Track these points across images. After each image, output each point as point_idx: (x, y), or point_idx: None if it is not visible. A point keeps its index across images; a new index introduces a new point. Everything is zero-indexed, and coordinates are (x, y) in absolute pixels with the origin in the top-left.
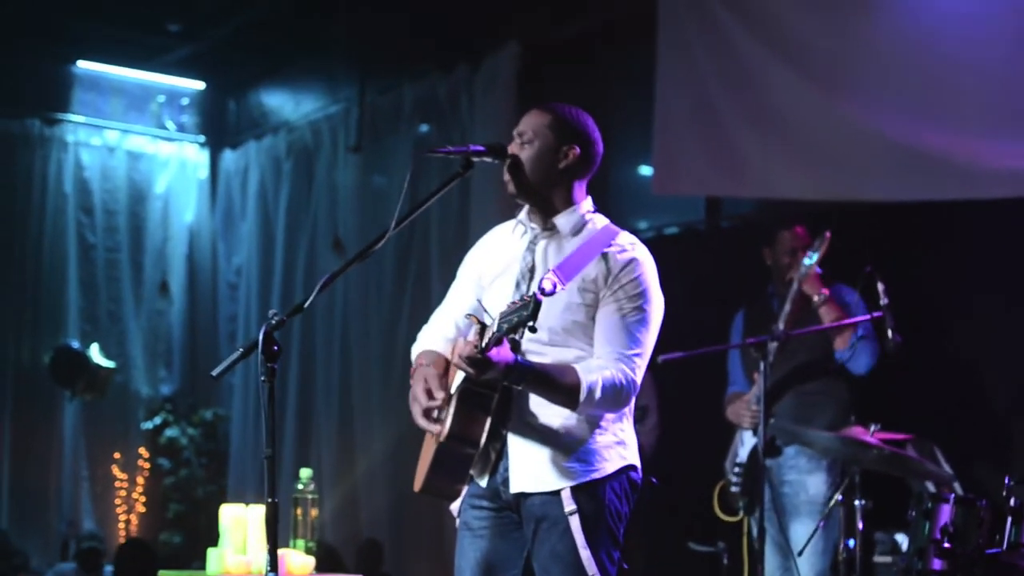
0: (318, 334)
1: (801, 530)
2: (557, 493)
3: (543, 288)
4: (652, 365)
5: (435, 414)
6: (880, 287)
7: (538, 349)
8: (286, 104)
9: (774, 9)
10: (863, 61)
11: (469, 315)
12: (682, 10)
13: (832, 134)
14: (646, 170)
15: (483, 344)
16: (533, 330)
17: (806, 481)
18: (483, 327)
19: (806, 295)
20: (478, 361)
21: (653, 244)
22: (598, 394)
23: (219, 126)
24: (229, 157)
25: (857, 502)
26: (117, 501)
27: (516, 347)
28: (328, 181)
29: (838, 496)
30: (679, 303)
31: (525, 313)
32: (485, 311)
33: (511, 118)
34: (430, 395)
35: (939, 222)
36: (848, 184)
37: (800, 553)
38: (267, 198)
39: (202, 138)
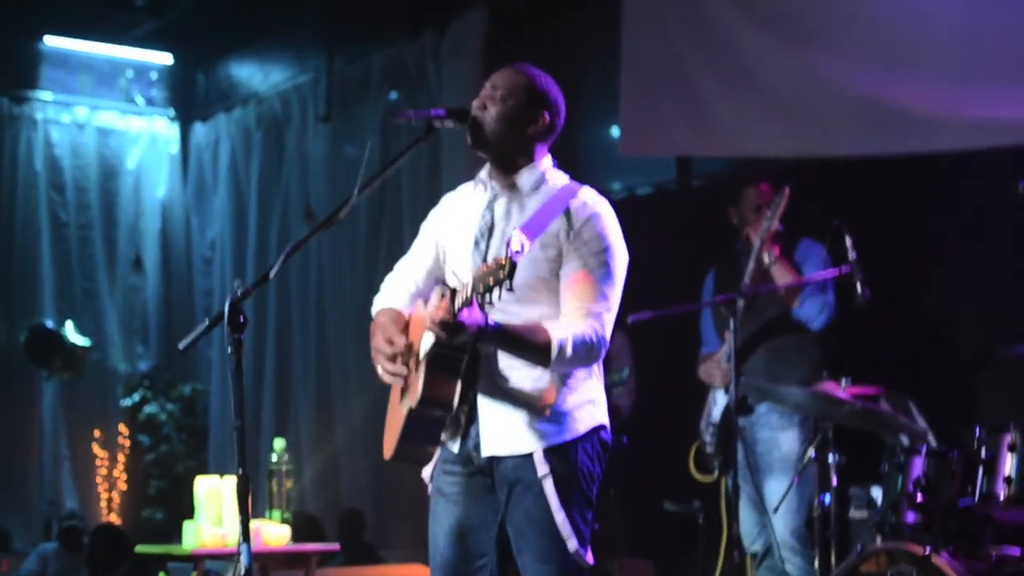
0: (294, 303)
1: (775, 487)
2: (529, 456)
3: (512, 249)
4: (626, 326)
5: (399, 361)
6: (848, 241)
7: (503, 308)
8: (255, 75)
9: None
10: (828, 16)
11: (441, 282)
12: None
13: (800, 90)
14: (616, 132)
15: (454, 309)
16: (511, 290)
17: (778, 438)
18: (453, 292)
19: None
20: (450, 325)
21: (625, 205)
22: (569, 351)
23: (188, 99)
24: (199, 130)
25: (831, 457)
26: (98, 479)
27: (482, 307)
28: (299, 151)
29: (811, 452)
30: (652, 263)
31: (502, 274)
32: (454, 274)
33: (479, 83)
34: (391, 343)
35: (907, 176)
36: (817, 140)
37: (776, 510)
38: (238, 170)
39: (172, 112)
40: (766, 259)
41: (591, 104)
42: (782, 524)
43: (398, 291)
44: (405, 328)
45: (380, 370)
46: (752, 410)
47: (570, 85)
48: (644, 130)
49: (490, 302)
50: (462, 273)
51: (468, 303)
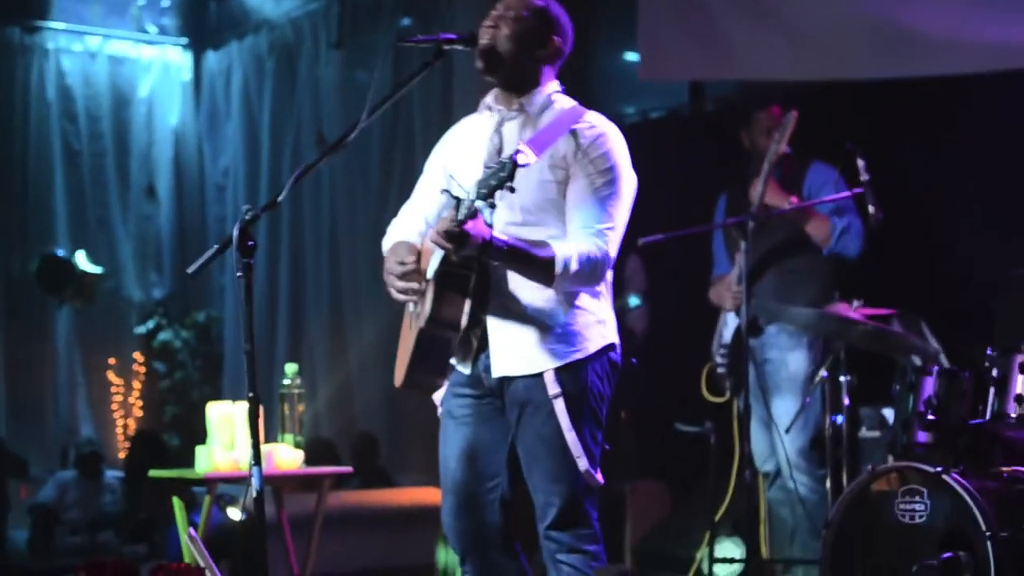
0: (306, 230)
1: (782, 407)
2: (540, 376)
3: (517, 159)
4: (640, 249)
5: (411, 277)
6: (860, 163)
7: (514, 231)
8: (266, 2)
9: None
10: None
11: (444, 190)
12: None
13: (814, 14)
14: (630, 56)
15: (460, 217)
16: (512, 190)
17: (787, 358)
18: (457, 201)
19: (784, 174)
20: (455, 235)
21: (638, 129)
22: (573, 267)
23: (201, 27)
24: (212, 58)
25: (842, 378)
26: (114, 406)
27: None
28: (311, 78)
29: (823, 372)
30: (665, 187)
31: (503, 175)
32: (459, 185)
33: (491, 9)
34: (401, 263)
35: (924, 99)
36: (832, 63)
37: (787, 430)
38: (251, 98)
39: (184, 40)
40: (786, 207)
41: (605, 28)
42: (789, 443)
43: (407, 229)
44: (417, 257)
45: (392, 291)
46: (762, 331)
47: (584, 9)
48: (662, 55)
49: (493, 204)
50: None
51: (473, 214)
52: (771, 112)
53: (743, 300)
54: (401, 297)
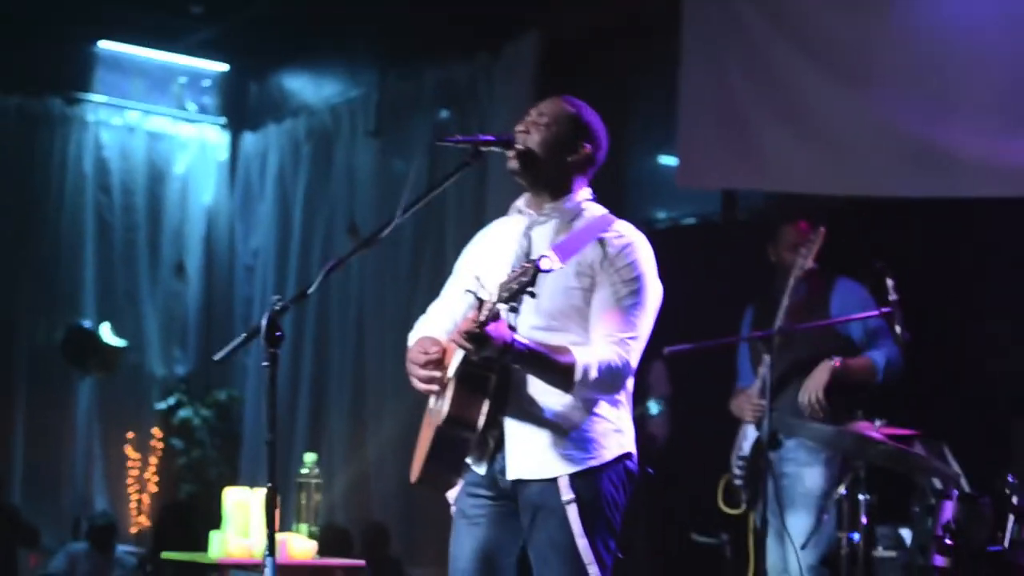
0: (333, 319)
1: (796, 522)
2: (554, 481)
3: (540, 264)
4: (663, 356)
5: (432, 369)
6: (889, 282)
7: (537, 336)
8: (307, 87)
9: (798, 4)
10: (882, 56)
11: (468, 290)
12: (707, 3)
13: (852, 129)
14: (665, 160)
15: (481, 319)
16: (533, 295)
17: (803, 473)
18: (481, 302)
19: (811, 290)
20: (476, 336)
21: (670, 235)
22: (593, 374)
23: (240, 108)
24: (249, 139)
25: (861, 496)
26: (129, 480)
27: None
28: (347, 165)
29: (842, 489)
30: (694, 295)
31: (525, 279)
32: (483, 286)
33: (530, 106)
34: (425, 353)
35: (951, 219)
36: (866, 179)
37: (803, 547)
38: (286, 181)
39: (223, 120)
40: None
41: (641, 133)
42: (803, 560)
43: (434, 326)
44: (442, 354)
45: (414, 380)
46: (781, 445)
47: (620, 114)
48: (700, 163)
49: (515, 308)
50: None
51: (495, 317)
52: (798, 227)
53: (766, 413)
54: (422, 387)
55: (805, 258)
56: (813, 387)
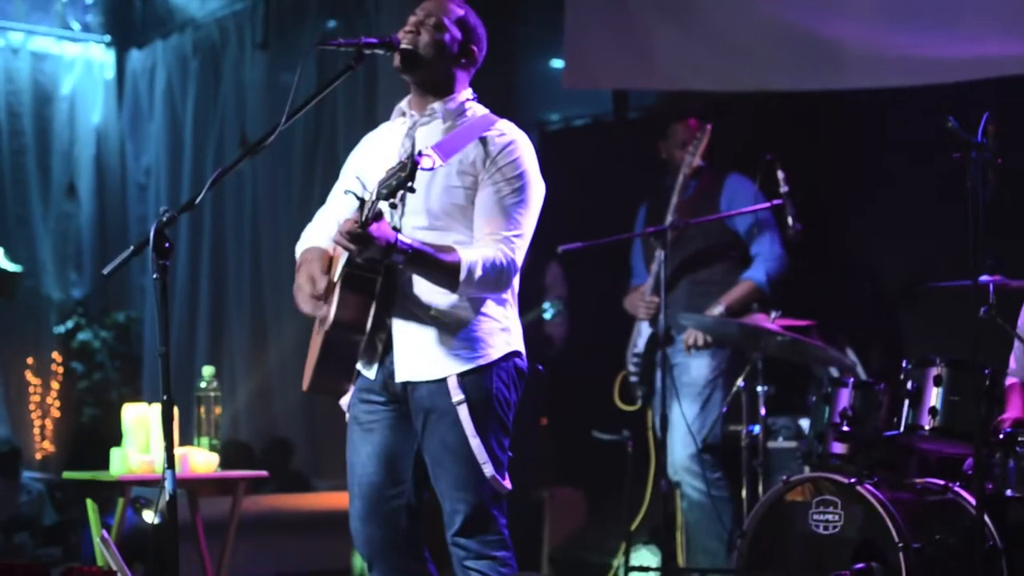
0: (229, 233)
1: (679, 410)
2: (443, 381)
3: (419, 161)
4: (560, 257)
5: (320, 305)
6: (780, 175)
7: (420, 236)
8: (192, 1)
9: None
10: None
11: (347, 191)
12: None
13: (740, 25)
14: (555, 63)
15: (363, 218)
16: (411, 190)
17: (689, 364)
18: (362, 202)
19: (702, 186)
20: (359, 236)
21: (562, 136)
22: (478, 273)
23: (125, 25)
24: (136, 57)
25: (759, 388)
26: (31, 406)
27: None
28: (235, 79)
29: (740, 383)
30: (588, 195)
31: (403, 175)
32: (365, 188)
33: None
34: (313, 283)
35: (839, 112)
36: (754, 74)
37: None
38: (175, 97)
39: (108, 38)
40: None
41: (530, 36)
42: (680, 447)
43: (320, 233)
44: (329, 264)
45: (300, 306)
46: (673, 341)
47: (509, 16)
48: (587, 63)
49: (394, 204)
50: None
51: (377, 217)
52: (687, 124)
53: (661, 309)
54: (309, 312)
55: (693, 155)
56: (694, 336)
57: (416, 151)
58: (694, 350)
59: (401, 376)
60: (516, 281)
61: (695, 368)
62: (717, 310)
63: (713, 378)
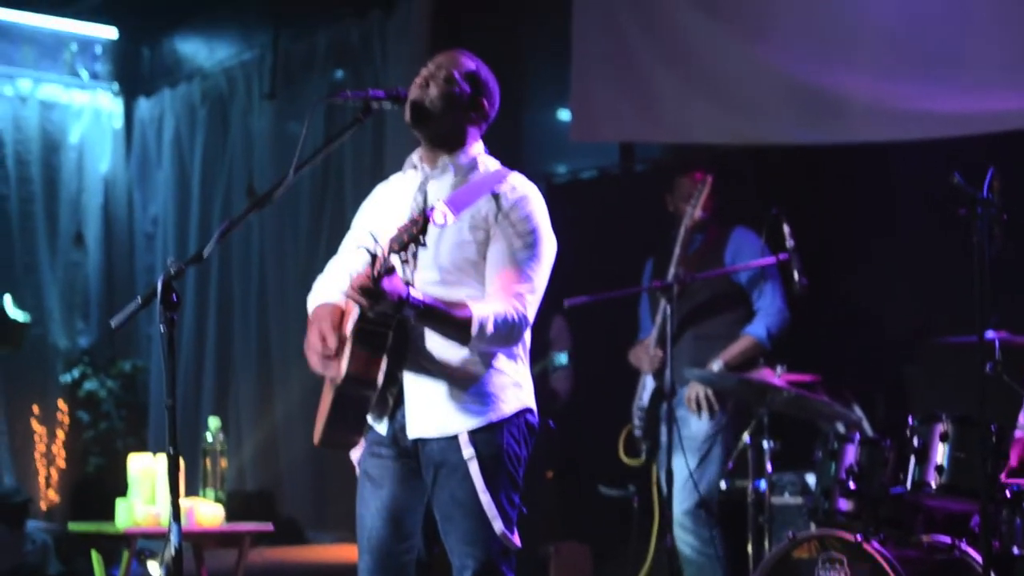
0: (235, 283)
1: (679, 465)
2: (454, 437)
3: (431, 216)
4: (566, 311)
5: (330, 363)
6: (786, 230)
7: (432, 291)
8: (200, 51)
9: None
10: (772, 6)
11: (361, 246)
12: None
13: (745, 78)
14: (562, 115)
15: (375, 273)
16: (423, 245)
17: (689, 418)
18: (374, 256)
19: (707, 240)
20: (370, 291)
21: (569, 188)
22: (490, 328)
23: (133, 74)
24: (144, 105)
25: (765, 443)
26: (36, 455)
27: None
28: (243, 128)
29: (746, 438)
30: (595, 247)
31: (415, 230)
32: (376, 242)
33: (424, 64)
34: (324, 342)
35: (845, 166)
36: (759, 127)
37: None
38: (182, 146)
39: (116, 86)
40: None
41: (537, 88)
42: (677, 502)
43: (332, 287)
44: (341, 320)
45: (311, 363)
46: (676, 394)
47: (516, 69)
48: (594, 116)
49: (405, 260)
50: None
51: (389, 271)
52: (693, 177)
53: (666, 362)
54: (319, 370)
55: (694, 207)
56: (696, 392)
57: (428, 206)
58: (695, 405)
59: (413, 433)
60: (528, 336)
61: (695, 423)
62: (716, 365)
63: (713, 433)
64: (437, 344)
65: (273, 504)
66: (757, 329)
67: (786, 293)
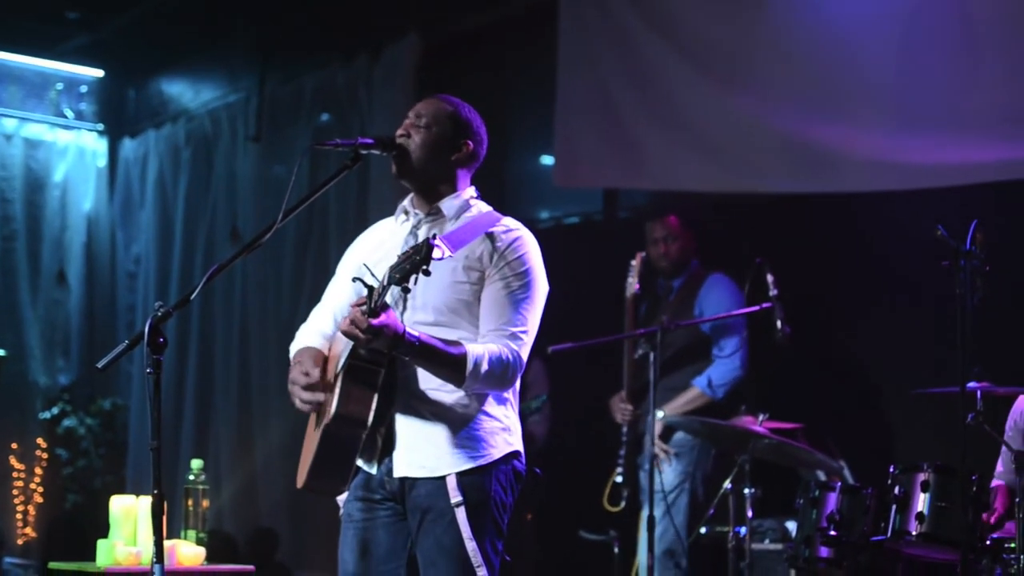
0: (217, 325)
1: (646, 514)
2: (443, 480)
3: (433, 242)
4: (544, 355)
5: (315, 388)
6: (769, 279)
7: (425, 330)
8: (185, 93)
9: (673, 3)
10: (758, 55)
11: (355, 278)
12: (582, 4)
13: (728, 127)
14: (545, 160)
15: (371, 307)
16: (427, 273)
17: (662, 465)
18: (370, 290)
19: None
20: (366, 326)
21: (552, 234)
22: (484, 368)
23: (118, 114)
24: (128, 146)
25: (746, 490)
26: (14, 492)
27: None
28: (227, 171)
29: (727, 484)
30: (578, 294)
31: (418, 258)
32: (372, 275)
33: (410, 109)
34: (307, 375)
35: (829, 217)
36: (745, 176)
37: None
38: (166, 187)
39: (101, 126)
40: None
41: (520, 133)
42: (643, 550)
43: (315, 334)
44: (324, 365)
45: (296, 401)
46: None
47: (499, 115)
48: (578, 163)
49: (407, 289)
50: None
51: (384, 308)
52: (666, 221)
53: (651, 409)
54: (305, 408)
55: (631, 284)
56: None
57: (430, 235)
58: (662, 455)
59: (399, 471)
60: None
61: (666, 470)
62: (659, 414)
63: (679, 483)
64: (429, 383)
65: (254, 545)
66: (700, 379)
67: (748, 348)
